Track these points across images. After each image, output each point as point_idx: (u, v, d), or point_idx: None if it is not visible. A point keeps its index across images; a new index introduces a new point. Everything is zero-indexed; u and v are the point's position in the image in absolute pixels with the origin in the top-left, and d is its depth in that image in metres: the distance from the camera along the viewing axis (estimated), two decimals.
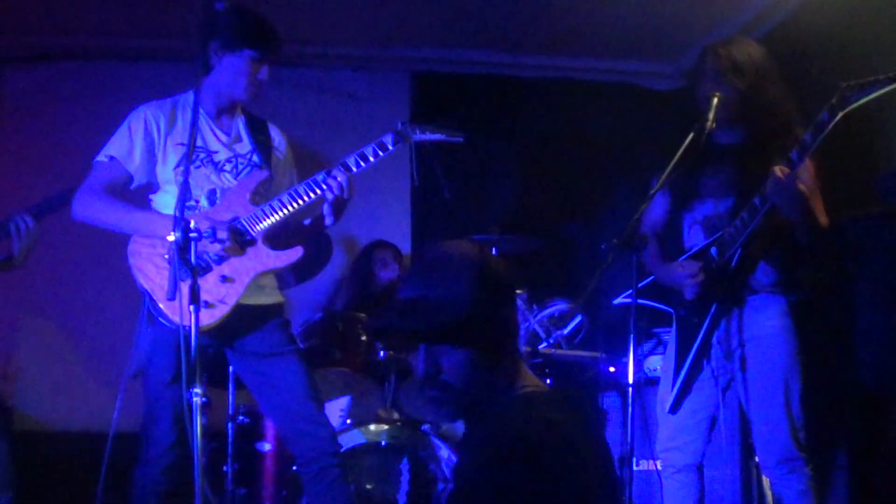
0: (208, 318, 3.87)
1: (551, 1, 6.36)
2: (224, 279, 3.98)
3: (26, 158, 6.62)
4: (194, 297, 3.41)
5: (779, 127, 4.25)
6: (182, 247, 3.45)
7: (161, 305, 3.92)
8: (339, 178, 4.07)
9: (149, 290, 3.97)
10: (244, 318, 4.09)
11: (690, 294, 4.30)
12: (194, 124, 3.70)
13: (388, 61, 7.35)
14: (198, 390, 3.35)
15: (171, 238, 3.46)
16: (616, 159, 6.91)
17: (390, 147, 4.15)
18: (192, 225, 3.48)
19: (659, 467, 4.49)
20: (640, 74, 7.51)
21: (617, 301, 4.53)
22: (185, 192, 3.60)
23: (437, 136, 4.25)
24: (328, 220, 4.17)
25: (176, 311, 3.57)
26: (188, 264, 3.43)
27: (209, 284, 3.93)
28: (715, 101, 4.17)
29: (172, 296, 3.47)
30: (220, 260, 4.02)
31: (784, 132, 4.22)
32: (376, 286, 6.63)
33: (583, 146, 7.32)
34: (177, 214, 3.47)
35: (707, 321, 4.23)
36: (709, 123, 4.13)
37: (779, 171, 3.93)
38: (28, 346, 6.67)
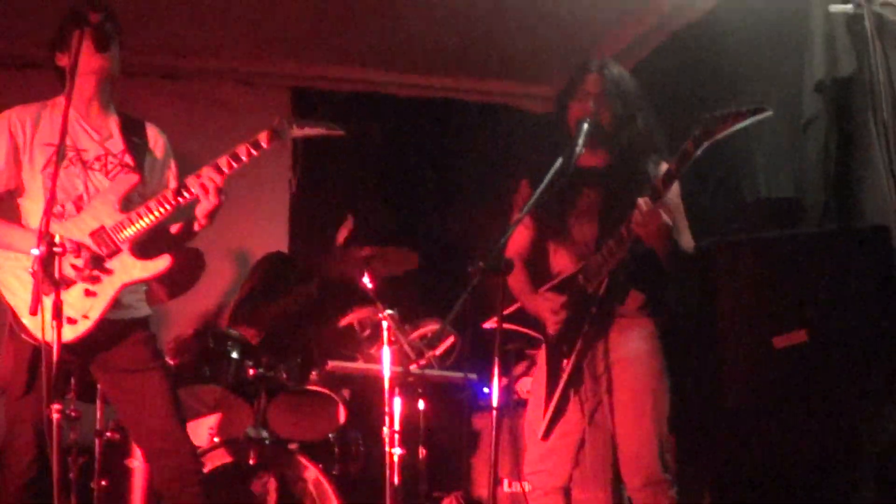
0: (71, 333, 3.78)
1: (431, 20, 6.39)
2: (88, 293, 3.89)
3: None
4: (57, 313, 3.35)
5: (644, 153, 4.30)
6: (45, 261, 3.39)
7: (24, 320, 3.83)
8: (207, 180, 3.97)
9: (12, 305, 3.89)
10: (108, 333, 4.00)
11: (552, 329, 4.33)
12: (64, 128, 3.64)
13: (269, 76, 7.30)
14: (57, 406, 3.31)
15: (34, 252, 3.40)
16: (493, 180, 6.94)
17: (264, 145, 3.98)
18: (56, 239, 3.41)
19: (527, 489, 4.51)
20: (518, 96, 7.58)
21: (487, 325, 4.53)
22: (51, 202, 3.51)
23: (317, 130, 4.11)
24: (197, 225, 4.09)
25: (38, 326, 3.50)
26: (51, 279, 3.36)
27: (73, 299, 3.83)
28: (585, 126, 4.20)
29: (35, 310, 3.40)
30: (85, 273, 3.91)
31: (649, 159, 4.29)
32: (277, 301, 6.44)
33: (460, 166, 7.37)
34: (42, 228, 3.40)
35: (576, 348, 4.23)
36: (578, 149, 4.15)
37: (643, 203, 3.98)
38: None
